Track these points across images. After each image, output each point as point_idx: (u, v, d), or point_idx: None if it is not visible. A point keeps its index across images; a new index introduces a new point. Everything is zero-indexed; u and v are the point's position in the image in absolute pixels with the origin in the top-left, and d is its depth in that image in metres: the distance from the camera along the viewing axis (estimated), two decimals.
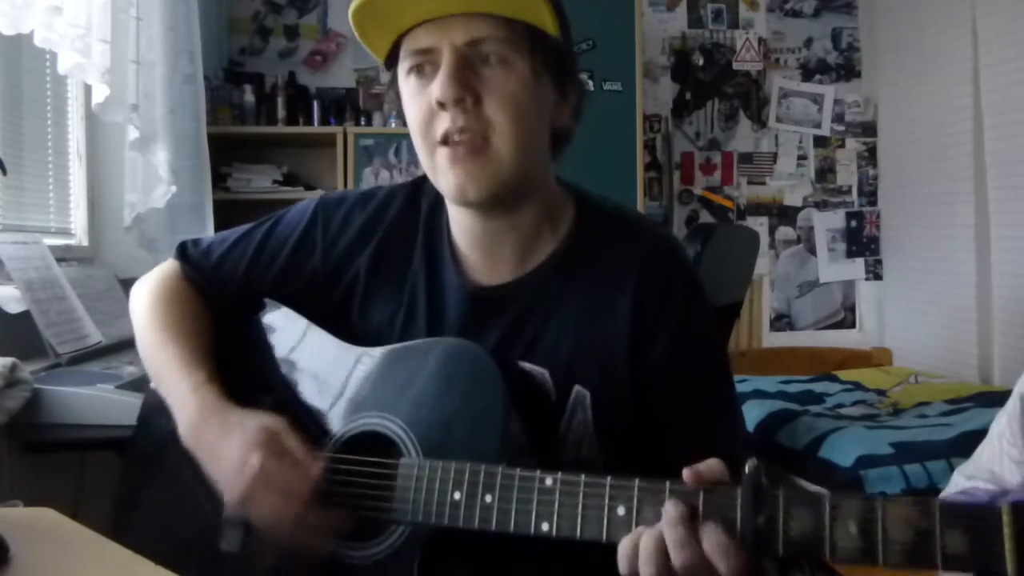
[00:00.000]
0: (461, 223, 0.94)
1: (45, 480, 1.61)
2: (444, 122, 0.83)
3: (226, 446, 0.85)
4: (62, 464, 1.64)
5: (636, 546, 0.68)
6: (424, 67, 0.85)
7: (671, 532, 0.66)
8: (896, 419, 2.59)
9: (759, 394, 2.88)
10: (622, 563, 0.69)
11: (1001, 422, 1.60)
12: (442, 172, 0.86)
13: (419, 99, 0.85)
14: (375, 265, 0.97)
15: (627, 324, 0.89)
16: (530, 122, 0.85)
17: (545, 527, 0.73)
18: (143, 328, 1.03)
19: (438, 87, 0.82)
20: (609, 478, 0.72)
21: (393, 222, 0.98)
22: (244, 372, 0.98)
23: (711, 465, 0.69)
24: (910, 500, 0.62)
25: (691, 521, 0.66)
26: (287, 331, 0.99)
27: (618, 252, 0.92)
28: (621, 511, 0.70)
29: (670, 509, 0.67)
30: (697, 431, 0.88)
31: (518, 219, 0.91)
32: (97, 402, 1.45)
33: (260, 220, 1.05)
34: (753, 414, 2.64)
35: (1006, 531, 0.58)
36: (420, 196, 0.99)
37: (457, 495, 0.77)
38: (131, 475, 1.05)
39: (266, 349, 0.99)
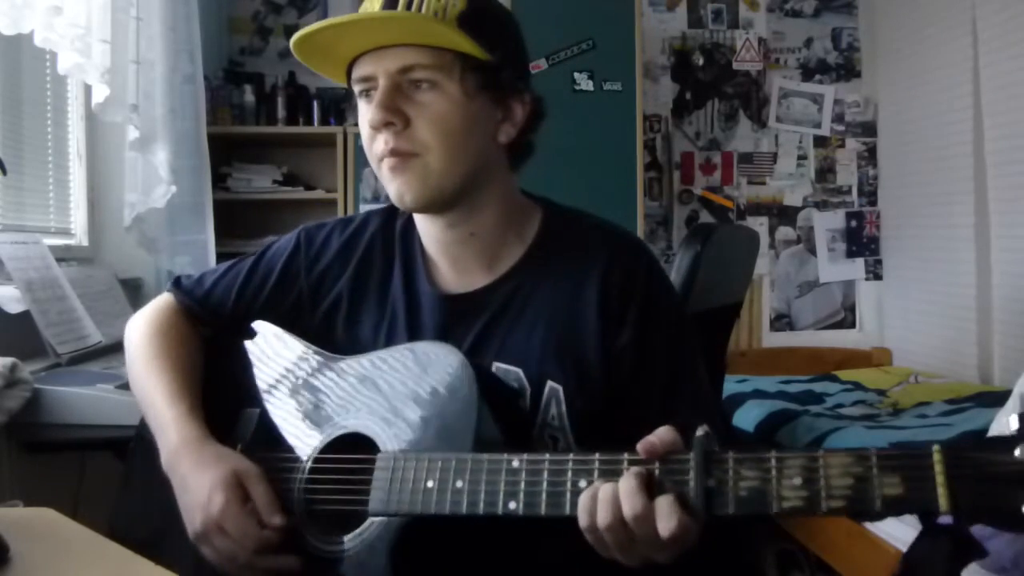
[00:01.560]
0: (426, 233, 1.01)
1: (45, 480, 1.61)
2: (380, 143, 0.92)
3: (195, 480, 0.89)
4: (62, 464, 1.64)
5: (594, 496, 0.72)
6: (370, 92, 0.93)
7: (625, 484, 0.71)
8: (896, 419, 2.59)
9: (759, 394, 2.88)
10: (581, 516, 0.73)
11: (1001, 422, 1.60)
12: (387, 182, 0.94)
13: (364, 120, 0.94)
14: (357, 283, 1.04)
15: (595, 315, 0.95)
16: (461, 139, 0.91)
17: (512, 505, 0.76)
18: (134, 358, 1.08)
19: (371, 112, 0.91)
20: (571, 454, 0.76)
21: (371, 241, 1.05)
22: (235, 387, 1.04)
23: (661, 435, 0.73)
24: (849, 451, 0.65)
25: (647, 478, 0.71)
26: (274, 346, 1.04)
27: (583, 250, 0.98)
28: (583, 484, 0.74)
29: (631, 469, 0.72)
30: (665, 412, 0.91)
31: (476, 226, 0.98)
32: (97, 402, 1.46)
33: (250, 252, 1.13)
34: (753, 414, 2.64)
35: (937, 468, 0.61)
36: (396, 216, 1.05)
37: (430, 483, 0.80)
38: (130, 480, 1.09)
39: (255, 364, 1.04)
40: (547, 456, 0.76)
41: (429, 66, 0.89)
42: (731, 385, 2.99)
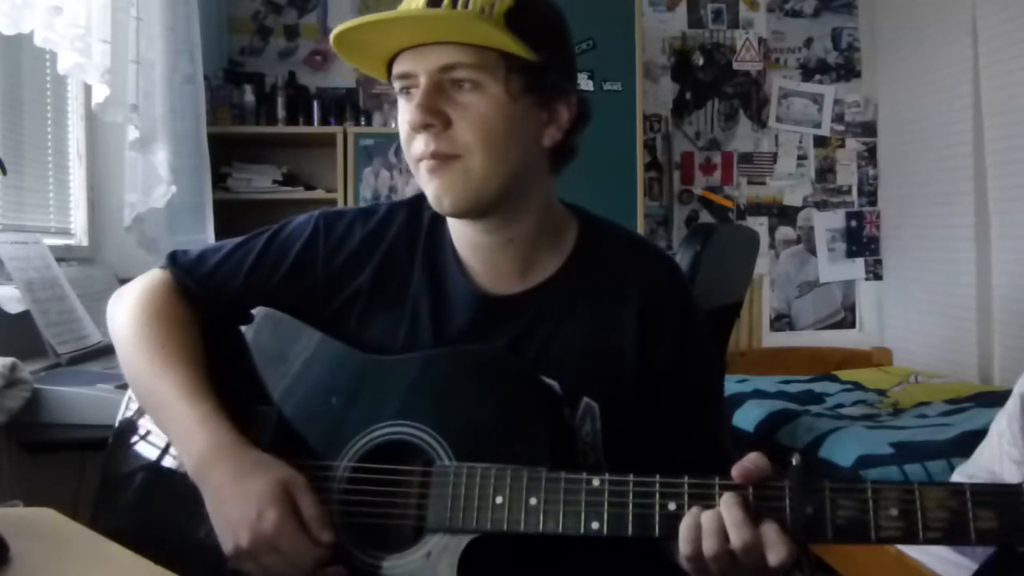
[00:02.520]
0: (461, 235, 0.96)
1: (45, 480, 1.61)
2: (419, 144, 0.87)
3: (238, 493, 0.82)
4: (62, 464, 1.63)
5: (697, 525, 0.73)
6: (410, 89, 0.88)
7: (730, 513, 0.72)
8: (896, 419, 2.59)
9: (759, 394, 2.88)
10: (684, 544, 0.73)
11: (1001, 422, 1.61)
12: (424, 184, 0.90)
13: (404, 119, 0.89)
14: (378, 280, 0.97)
15: (633, 334, 0.92)
16: (504, 142, 0.87)
17: (595, 526, 0.75)
18: (132, 347, 0.97)
19: (411, 112, 0.86)
20: (658, 476, 0.75)
21: (395, 238, 0.99)
22: (244, 382, 0.96)
23: (755, 460, 0.74)
24: (942, 485, 0.70)
25: (749, 506, 0.72)
26: (289, 339, 0.97)
27: (620, 267, 0.96)
28: (672, 507, 0.74)
29: (727, 495, 0.73)
30: (697, 433, 0.92)
31: (514, 232, 0.93)
32: (97, 402, 1.45)
33: (256, 231, 1.04)
34: (753, 414, 2.64)
35: None
36: (422, 211, 1.00)
37: (499, 499, 0.78)
38: (113, 491, 1.01)
39: (267, 358, 0.97)
40: (631, 477, 0.76)
41: (472, 65, 0.85)
42: (731, 385, 2.99)
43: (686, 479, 0.74)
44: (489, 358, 0.87)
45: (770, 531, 0.70)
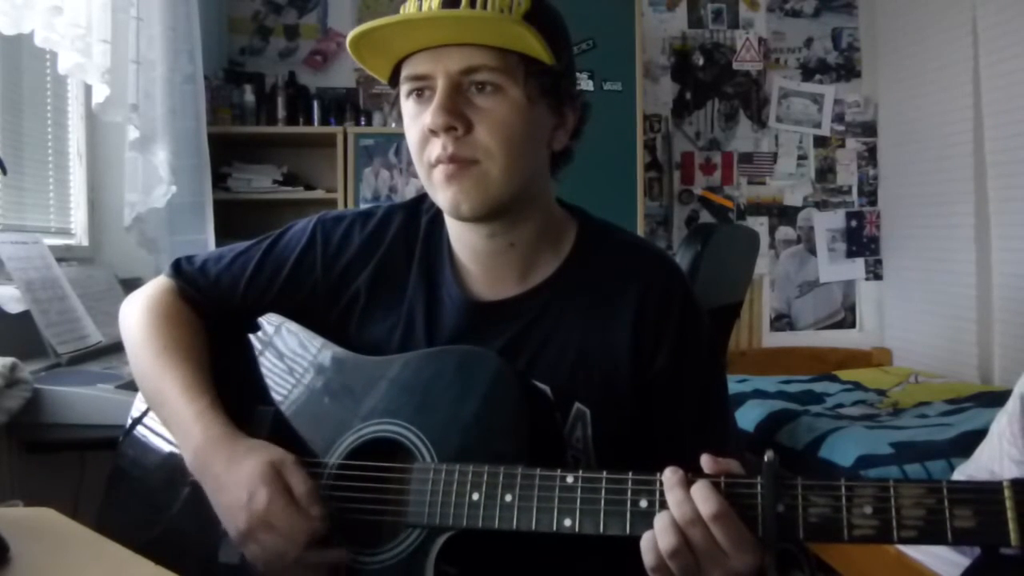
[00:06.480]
0: (461, 239, 0.96)
1: (45, 480, 1.61)
2: (436, 147, 0.86)
3: (232, 478, 0.84)
4: (62, 464, 1.63)
5: (667, 514, 0.71)
6: (423, 91, 0.87)
7: (699, 486, 0.70)
8: (896, 419, 2.59)
9: (759, 394, 2.88)
10: (646, 555, 0.71)
11: (1001, 422, 1.60)
12: (439, 188, 0.88)
13: (416, 122, 0.88)
14: (375, 283, 0.98)
15: (628, 338, 0.91)
16: (522, 147, 0.87)
17: (568, 523, 0.74)
18: (139, 349, 1.00)
19: (430, 115, 0.85)
20: (631, 473, 0.74)
21: (393, 240, 1.00)
22: (245, 383, 0.98)
23: (719, 460, 0.72)
24: (919, 482, 0.66)
25: (718, 489, 0.70)
26: (289, 341, 0.98)
27: (618, 269, 0.95)
28: (644, 504, 0.73)
29: (699, 482, 0.70)
30: (693, 442, 0.89)
31: (516, 236, 0.93)
32: (97, 402, 1.45)
33: (258, 239, 1.05)
34: (753, 414, 2.64)
35: (1008, 504, 0.63)
36: (420, 214, 1.00)
37: (476, 496, 0.78)
38: (123, 484, 1.03)
39: (267, 360, 0.99)
40: (604, 474, 0.75)
41: (495, 68, 0.84)
42: (731, 385, 2.97)
43: (658, 475, 0.73)
44: (472, 358, 0.87)
45: (741, 530, 0.68)
